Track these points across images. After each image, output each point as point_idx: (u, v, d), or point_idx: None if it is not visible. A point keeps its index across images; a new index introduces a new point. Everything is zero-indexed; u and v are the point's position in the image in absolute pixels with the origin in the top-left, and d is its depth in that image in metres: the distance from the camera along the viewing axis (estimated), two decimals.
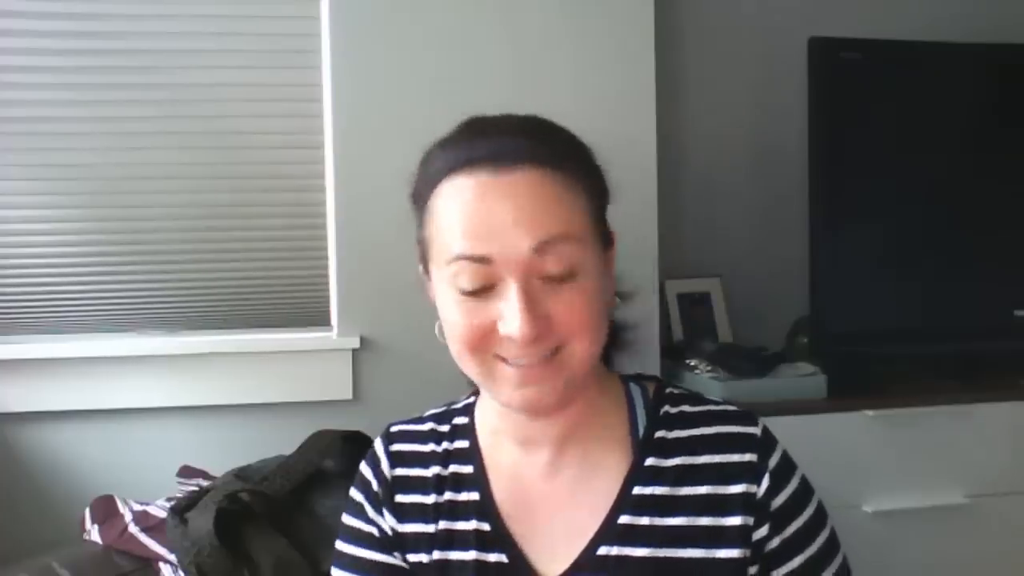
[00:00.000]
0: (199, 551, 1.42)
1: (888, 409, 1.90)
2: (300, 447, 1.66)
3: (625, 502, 0.92)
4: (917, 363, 2.12)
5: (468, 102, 2.11)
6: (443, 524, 0.96)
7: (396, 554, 0.97)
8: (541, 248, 0.84)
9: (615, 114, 2.02)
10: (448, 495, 0.97)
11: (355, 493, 1.02)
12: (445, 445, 1.00)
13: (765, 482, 0.90)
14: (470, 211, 0.86)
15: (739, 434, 0.93)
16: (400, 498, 0.98)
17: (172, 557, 1.47)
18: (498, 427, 0.98)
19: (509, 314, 0.84)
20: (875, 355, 2.07)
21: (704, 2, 2.29)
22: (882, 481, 1.89)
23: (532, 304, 0.84)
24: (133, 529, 1.56)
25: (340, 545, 1.01)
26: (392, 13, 1.99)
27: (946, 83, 2.11)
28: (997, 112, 2.14)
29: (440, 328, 0.93)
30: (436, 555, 0.95)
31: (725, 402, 0.99)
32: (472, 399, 1.03)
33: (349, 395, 2.01)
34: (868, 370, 2.05)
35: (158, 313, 2.00)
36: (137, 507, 1.61)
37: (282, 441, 1.71)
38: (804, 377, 1.95)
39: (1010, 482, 1.96)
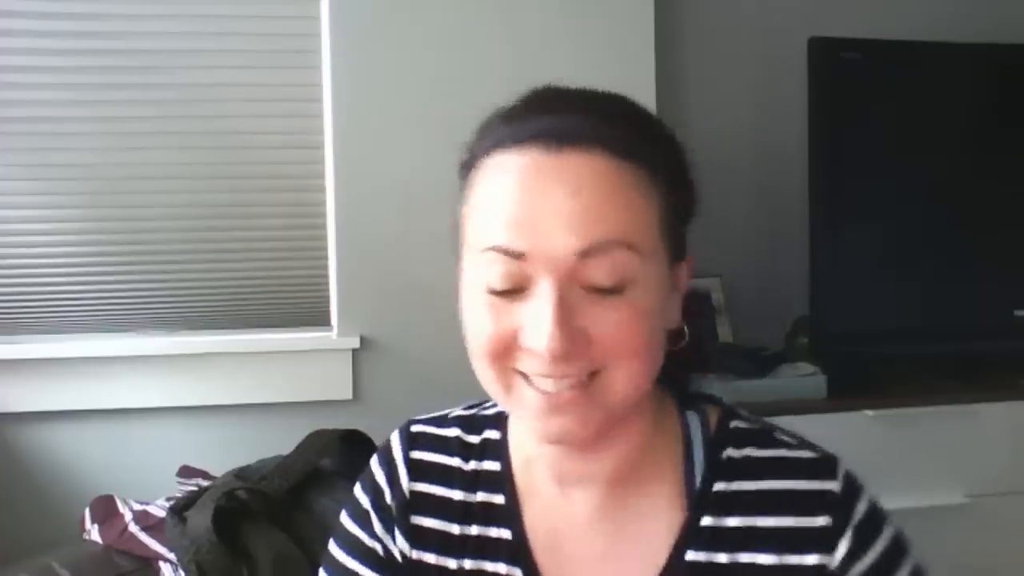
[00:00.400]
0: (198, 549, 1.42)
1: (888, 409, 1.90)
2: (298, 447, 1.67)
3: (676, 569, 0.76)
4: (917, 363, 2.12)
5: (468, 102, 2.12)
6: (469, 563, 0.81)
7: None
8: (589, 252, 0.69)
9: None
10: (476, 529, 0.82)
11: (362, 497, 0.86)
12: (474, 464, 0.84)
13: (841, 550, 0.75)
14: (513, 195, 0.71)
15: (813, 492, 0.77)
16: (418, 520, 0.83)
17: (172, 556, 1.48)
18: (533, 454, 0.82)
19: (536, 322, 0.69)
20: (875, 355, 2.07)
21: (704, 2, 2.29)
22: (882, 481, 1.88)
23: (566, 314, 0.69)
24: (133, 528, 1.56)
25: (335, 550, 0.87)
26: (392, 13, 1.99)
27: (946, 83, 2.11)
28: (997, 112, 2.14)
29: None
30: None
31: (800, 438, 0.82)
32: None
33: (349, 395, 2.01)
34: (868, 370, 2.05)
35: (158, 313, 2.00)
36: (137, 507, 1.61)
37: (282, 441, 1.71)
38: (804, 377, 1.95)
39: (1010, 482, 1.96)
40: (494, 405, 0.86)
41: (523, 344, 0.71)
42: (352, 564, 0.85)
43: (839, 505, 0.76)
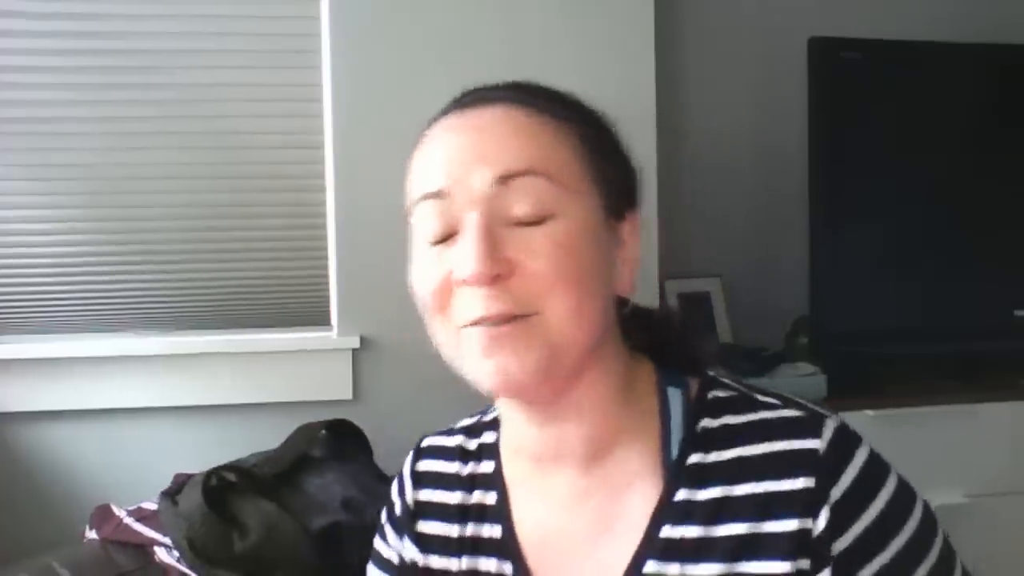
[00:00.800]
0: (191, 525, 1.44)
1: (888, 409, 1.90)
2: (286, 439, 1.69)
3: (652, 546, 0.75)
4: (917, 363, 2.12)
5: None
6: (467, 562, 0.83)
7: None
8: (504, 180, 0.72)
9: (615, 114, 2.01)
10: (471, 528, 0.84)
11: (382, 515, 0.92)
12: (471, 467, 0.86)
13: (824, 516, 0.70)
14: (432, 149, 0.77)
15: (793, 452, 0.72)
16: (422, 526, 0.87)
17: (166, 540, 1.49)
18: (516, 444, 0.83)
19: (461, 251, 0.71)
20: (875, 355, 2.07)
21: (704, 2, 2.29)
22: None
23: (490, 242, 0.70)
24: (127, 520, 1.58)
25: (369, 568, 0.93)
26: (392, 13, 1.99)
27: (946, 83, 2.11)
28: (997, 112, 2.14)
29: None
30: None
31: (788, 398, 0.79)
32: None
33: (349, 395, 2.01)
34: (868, 370, 2.05)
35: (157, 313, 2.00)
36: (132, 508, 1.63)
37: (282, 441, 1.72)
38: (804, 377, 1.95)
39: (1010, 482, 1.96)
40: (495, 410, 0.88)
41: (455, 278, 0.72)
42: (377, 573, 0.91)
43: (823, 464, 0.71)
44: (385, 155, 2.00)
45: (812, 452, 0.72)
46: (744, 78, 2.31)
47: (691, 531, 0.74)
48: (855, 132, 2.06)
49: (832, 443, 0.72)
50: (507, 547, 0.82)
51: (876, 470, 0.74)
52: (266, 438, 1.76)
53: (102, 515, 1.63)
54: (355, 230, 2.00)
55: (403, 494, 0.89)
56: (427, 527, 0.86)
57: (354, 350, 2.00)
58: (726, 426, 0.76)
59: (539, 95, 0.79)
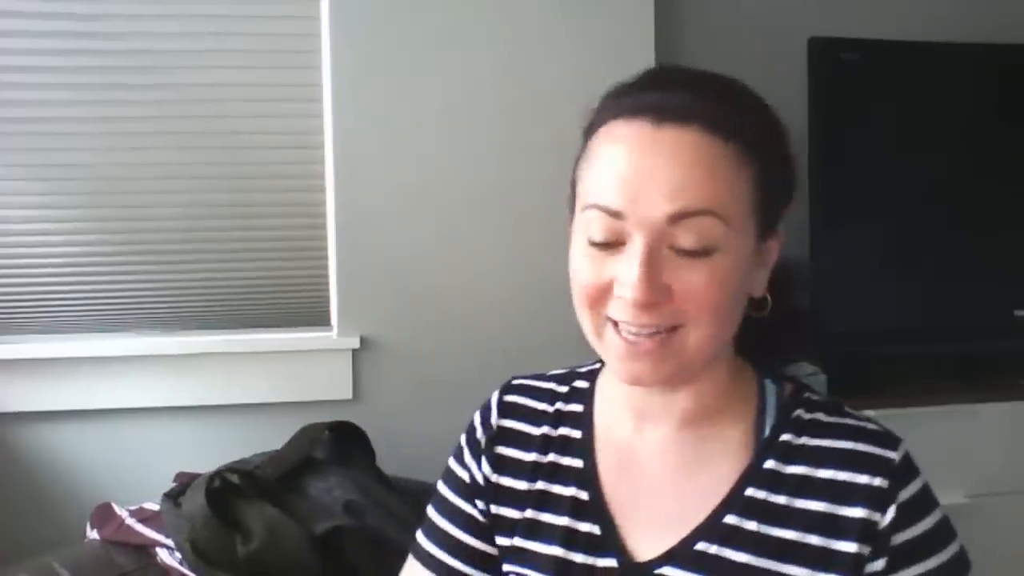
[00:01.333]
0: (193, 527, 1.44)
1: (888, 409, 1.89)
2: (290, 439, 1.69)
3: (735, 502, 0.84)
4: (917, 363, 2.13)
5: (468, 102, 2.13)
6: (540, 484, 0.92)
7: (479, 503, 0.96)
8: (677, 218, 0.78)
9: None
10: (552, 456, 0.93)
11: (462, 436, 1.00)
12: (559, 406, 0.96)
13: (891, 513, 0.81)
14: (618, 162, 0.80)
15: (872, 455, 0.83)
16: (501, 450, 0.96)
17: (168, 541, 1.49)
18: (616, 396, 0.92)
19: (626, 273, 0.79)
20: (875, 355, 2.07)
21: (704, 2, 2.29)
22: None
23: (653, 269, 0.78)
24: (129, 521, 1.58)
25: (438, 483, 1.01)
26: (392, 13, 1.99)
27: (946, 83, 2.11)
28: (997, 112, 2.14)
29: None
30: (528, 513, 0.92)
31: (870, 420, 0.88)
32: (598, 365, 0.97)
33: (349, 395, 2.01)
34: (868, 370, 2.05)
35: (157, 313, 2.00)
36: (133, 508, 1.62)
37: (282, 441, 1.72)
38: (804, 377, 1.94)
39: (1010, 482, 1.96)
40: (591, 364, 0.98)
41: (615, 291, 0.81)
42: (444, 491, 0.99)
43: (897, 473, 0.83)
44: (385, 155, 2.01)
45: (889, 460, 0.83)
46: (744, 78, 2.30)
47: (774, 497, 0.84)
48: (855, 132, 2.06)
49: (904, 459, 0.84)
50: (586, 477, 0.91)
51: (932, 495, 0.87)
52: (266, 438, 1.77)
53: (103, 515, 1.63)
54: (355, 230, 2.00)
55: (487, 420, 0.98)
56: (506, 451, 0.96)
57: (354, 350, 2.00)
58: (817, 420, 0.87)
59: (734, 115, 0.83)
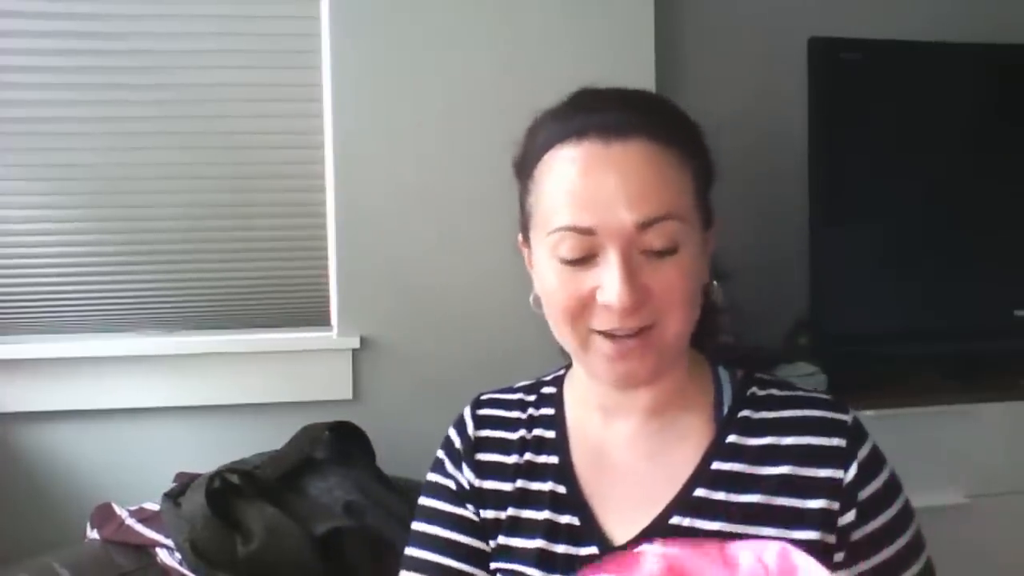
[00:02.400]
0: (193, 527, 1.44)
1: (888, 409, 1.90)
2: (290, 440, 1.69)
3: (702, 476, 0.91)
4: (917, 363, 2.12)
5: (468, 102, 2.13)
6: (520, 483, 0.97)
7: (469, 506, 0.99)
8: (646, 224, 0.84)
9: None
10: (528, 456, 0.98)
11: (438, 452, 1.04)
12: (531, 412, 1.01)
13: (853, 470, 0.89)
14: (577, 182, 0.85)
15: (829, 419, 0.91)
16: (481, 456, 1.00)
17: (168, 541, 1.49)
18: (585, 397, 0.98)
19: (608, 283, 0.84)
20: (875, 355, 2.07)
21: (704, 2, 2.29)
22: None
23: (632, 274, 0.84)
24: (129, 521, 1.58)
25: (420, 499, 1.03)
26: (392, 13, 1.99)
27: (946, 83, 2.11)
28: (997, 112, 2.14)
29: (535, 299, 0.93)
30: (510, 511, 0.96)
31: (817, 390, 0.97)
32: (562, 371, 1.03)
33: (349, 395, 2.01)
34: (868, 370, 2.05)
35: (158, 313, 2.00)
36: (133, 508, 1.62)
37: (282, 441, 1.72)
38: (804, 377, 1.95)
39: (1010, 482, 1.96)
40: (555, 372, 1.05)
41: (599, 300, 0.85)
42: (430, 502, 1.02)
43: (852, 434, 0.91)
44: (385, 155, 2.01)
45: (844, 422, 0.92)
46: (744, 78, 2.31)
47: (739, 467, 0.91)
48: (855, 132, 2.06)
49: (855, 421, 0.93)
50: (562, 472, 0.96)
51: (881, 451, 0.94)
52: (266, 438, 1.77)
53: (103, 515, 1.63)
54: (355, 230, 2.00)
55: (464, 432, 1.02)
56: (485, 457, 1.00)
57: (354, 350, 2.00)
58: (772, 395, 0.95)
59: (668, 123, 0.89)
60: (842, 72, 2.04)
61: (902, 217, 2.07)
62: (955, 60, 2.13)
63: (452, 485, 1.00)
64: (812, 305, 2.05)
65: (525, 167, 0.92)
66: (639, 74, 2.05)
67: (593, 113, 0.88)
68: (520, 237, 0.96)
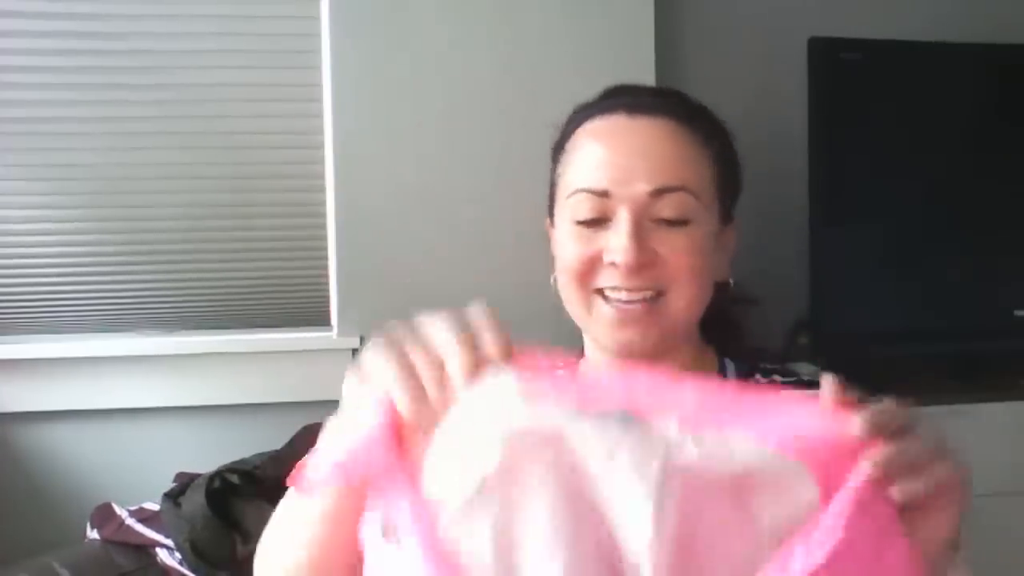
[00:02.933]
0: (193, 527, 1.44)
1: None
2: (290, 440, 1.69)
3: None
4: (917, 363, 2.12)
5: (468, 102, 2.13)
6: None
7: None
8: (659, 192, 0.87)
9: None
10: None
11: None
12: None
13: None
14: (598, 148, 0.90)
15: None
16: None
17: (168, 541, 1.49)
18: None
19: (616, 241, 0.87)
20: (875, 355, 2.07)
21: (704, 2, 2.29)
22: None
23: (640, 235, 0.87)
24: (129, 521, 1.58)
25: None
26: (392, 13, 1.99)
27: (946, 83, 2.11)
28: (997, 112, 2.14)
29: (555, 281, 0.95)
30: None
31: (820, 372, 0.99)
32: (575, 360, 1.04)
33: None
34: (868, 370, 2.04)
35: (158, 313, 2.00)
36: (133, 508, 1.62)
37: (282, 441, 1.72)
38: (804, 377, 1.95)
39: (1010, 482, 1.95)
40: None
41: (605, 259, 0.88)
42: None
43: None
44: (385, 155, 2.01)
45: None
46: (744, 78, 2.31)
47: None
48: (855, 132, 2.06)
49: None
50: None
51: None
52: (266, 438, 1.77)
53: (103, 515, 1.63)
54: (355, 230, 2.00)
55: None
56: None
57: (354, 350, 2.00)
58: (774, 381, 0.97)
59: (694, 112, 0.94)
60: (842, 72, 2.04)
61: (902, 217, 2.07)
62: (955, 60, 2.13)
63: None
64: (812, 305, 2.05)
65: (558, 149, 0.97)
66: (639, 74, 2.05)
67: (622, 96, 0.94)
68: (548, 220, 0.99)
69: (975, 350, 2.10)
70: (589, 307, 0.91)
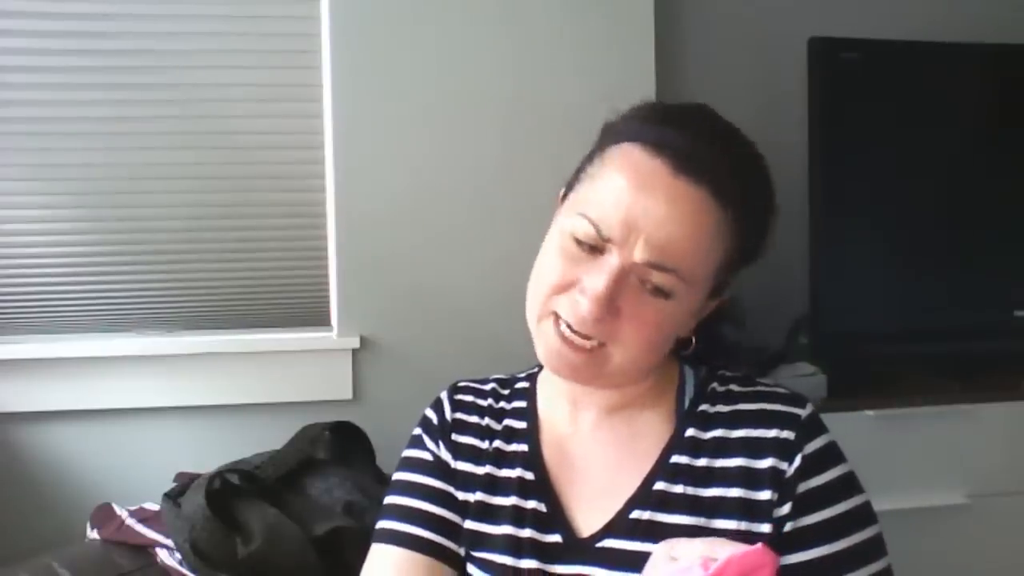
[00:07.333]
0: (193, 527, 1.44)
1: (888, 409, 1.90)
2: (290, 440, 1.69)
3: (662, 469, 0.93)
4: (917, 363, 2.12)
5: (468, 102, 2.13)
6: (489, 468, 1.00)
7: (446, 481, 1.02)
8: (652, 265, 0.87)
9: (615, 114, 2.03)
10: (498, 443, 1.01)
11: (415, 430, 1.08)
12: (503, 404, 1.05)
13: (797, 462, 0.90)
14: (627, 194, 0.88)
15: (781, 412, 0.93)
16: (456, 437, 1.03)
17: (168, 541, 1.49)
18: (555, 390, 1.02)
19: (591, 284, 0.87)
20: (875, 355, 2.07)
21: (704, 2, 2.29)
22: (882, 481, 1.88)
23: (615, 291, 0.87)
24: (129, 521, 1.58)
25: (395, 475, 1.06)
26: (392, 13, 1.99)
27: (946, 83, 2.11)
28: (997, 112, 2.14)
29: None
30: (479, 495, 0.99)
31: (780, 385, 0.99)
32: (536, 369, 1.07)
33: (349, 395, 2.01)
34: (868, 370, 2.05)
35: (158, 313, 2.00)
36: (133, 508, 1.62)
37: (282, 441, 1.72)
38: (804, 377, 1.95)
39: (1010, 482, 1.96)
40: (529, 370, 1.08)
41: (574, 293, 0.88)
42: (408, 476, 1.04)
43: (803, 427, 0.92)
44: (385, 155, 2.01)
45: (797, 415, 0.93)
46: (744, 78, 2.31)
47: (697, 460, 0.93)
48: (855, 132, 2.06)
49: (811, 416, 0.94)
50: (531, 459, 1.00)
51: (839, 451, 0.94)
52: (266, 438, 1.77)
53: (103, 515, 1.63)
54: (355, 230, 2.00)
55: (442, 412, 1.06)
56: (460, 438, 1.03)
57: (354, 350, 2.00)
58: (730, 391, 0.97)
59: (742, 173, 0.91)
60: (842, 72, 2.04)
61: (902, 217, 2.07)
62: (955, 60, 2.13)
63: (429, 456, 1.04)
64: (812, 305, 2.05)
65: (606, 137, 0.95)
66: (639, 74, 2.05)
67: (679, 131, 0.90)
68: (561, 192, 0.99)
69: (975, 350, 2.10)
70: (539, 320, 0.92)
